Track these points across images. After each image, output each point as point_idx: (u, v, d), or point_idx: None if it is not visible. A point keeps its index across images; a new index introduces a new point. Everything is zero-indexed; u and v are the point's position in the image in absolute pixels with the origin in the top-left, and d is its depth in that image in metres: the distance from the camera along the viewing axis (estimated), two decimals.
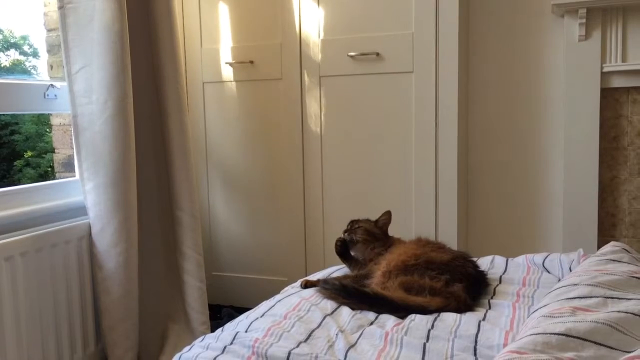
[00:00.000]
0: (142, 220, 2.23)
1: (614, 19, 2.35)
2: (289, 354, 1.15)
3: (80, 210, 2.16)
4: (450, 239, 2.33)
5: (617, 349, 0.92)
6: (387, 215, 1.75)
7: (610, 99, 2.42)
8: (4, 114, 3.60)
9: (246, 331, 1.30)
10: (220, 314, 2.69)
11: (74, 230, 2.09)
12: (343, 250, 1.73)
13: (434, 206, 2.42)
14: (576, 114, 2.43)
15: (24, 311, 1.88)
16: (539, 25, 2.54)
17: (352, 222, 1.77)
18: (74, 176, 2.28)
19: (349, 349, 1.19)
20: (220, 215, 2.82)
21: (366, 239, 1.68)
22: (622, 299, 1.08)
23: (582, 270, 1.31)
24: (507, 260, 1.78)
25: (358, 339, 1.23)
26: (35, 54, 3.79)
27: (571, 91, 2.43)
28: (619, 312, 1.00)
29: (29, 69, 4.03)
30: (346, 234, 1.73)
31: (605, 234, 2.46)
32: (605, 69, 2.37)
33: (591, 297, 1.10)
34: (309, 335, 1.26)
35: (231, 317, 2.19)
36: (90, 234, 2.12)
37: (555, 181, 2.56)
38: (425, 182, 2.43)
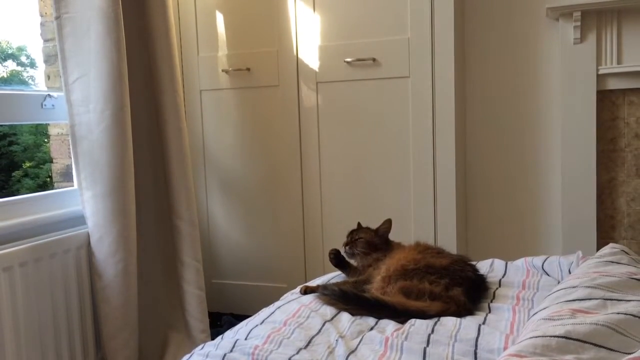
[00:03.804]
0: (140, 228, 2.23)
1: (608, 21, 2.36)
2: None
3: (78, 219, 2.16)
4: (449, 242, 2.33)
5: (617, 351, 0.91)
6: (388, 223, 1.75)
7: (607, 101, 2.42)
8: (1, 125, 3.61)
9: (246, 338, 1.30)
10: (220, 321, 2.68)
11: (73, 239, 2.08)
12: (338, 261, 1.72)
13: (433, 210, 2.42)
14: (573, 116, 2.43)
15: (24, 321, 1.88)
16: (534, 28, 2.55)
17: (352, 233, 1.76)
18: (73, 186, 2.28)
19: (349, 354, 1.18)
20: (219, 223, 2.81)
21: (366, 251, 1.68)
22: (621, 300, 1.08)
23: (581, 273, 1.31)
24: (506, 264, 1.78)
25: (358, 344, 1.23)
26: (32, 65, 3.80)
27: (567, 94, 2.44)
28: (618, 313, 1.00)
29: (26, 79, 4.04)
30: (347, 247, 1.72)
31: (604, 236, 2.46)
32: (601, 71, 2.37)
33: (590, 299, 1.10)
34: (309, 342, 1.25)
35: (231, 325, 2.18)
36: (89, 243, 2.12)
37: (553, 184, 2.56)
38: (424, 186, 2.43)
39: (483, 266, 1.75)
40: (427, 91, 2.38)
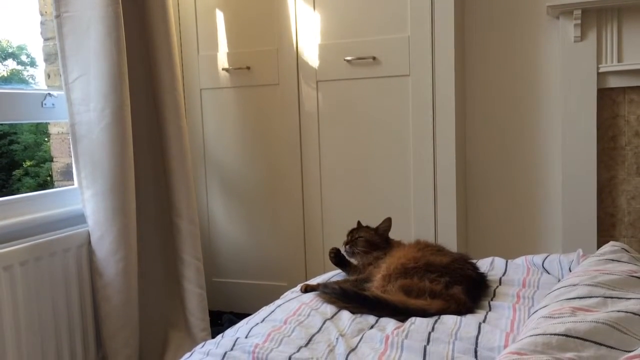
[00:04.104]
0: (141, 227, 2.23)
1: (609, 19, 2.36)
2: (289, 358, 1.15)
3: (79, 218, 2.16)
4: (449, 241, 2.33)
5: (618, 349, 0.92)
6: (388, 222, 1.75)
7: (607, 99, 2.42)
8: (2, 124, 3.61)
9: (246, 337, 1.30)
10: (221, 320, 2.68)
11: (73, 238, 2.09)
12: (338, 260, 1.72)
13: (433, 209, 2.43)
14: (573, 114, 2.43)
15: (24, 320, 1.88)
16: (534, 27, 2.55)
17: (352, 232, 1.76)
18: (73, 184, 2.28)
19: (350, 353, 1.19)
20: (220, 221, 2.81)
21: (367, 250, 1.68)
22: (621, 298, 1.08)
23: (582, 271, 1.31)
24: (506, 262, 1.78)
25: (358, 342, 1.23)
26: (32, 64, 3.80)
27: (568, 92, 2.44)
28: (618, 311, 1.00)
29: (26, 78, 4.04)
30: (347, 246, 1.72)
31: (604, 234, 2.46)
32: (602, 70, 2.37)
33: (591, 297, 1.10)
34: (309, 340, 1.25)
35: (232, 323, 2.18)
36: (89, 242, 2.12)
37: (553, 182, 2.56)
38: (424, 185, 2.43)
39: (483, 264, 1.75)
40: (427, 89, 2.38)
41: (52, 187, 2.42)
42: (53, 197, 2.17)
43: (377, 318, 1.36)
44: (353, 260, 1.72)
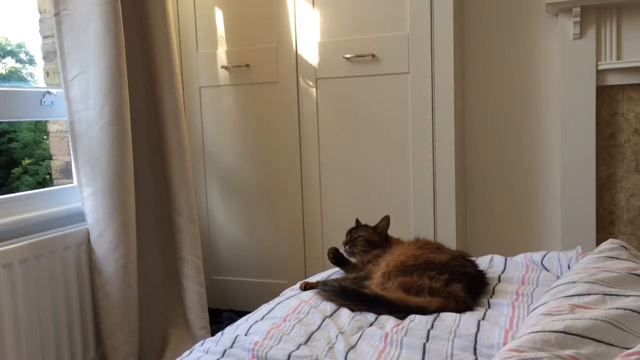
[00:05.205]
0: (140, 225, 2.23)
1: (608, 17, 2.36)
2: (289, 356, 1.15)
3: (78, 216, 2.16)
4: (448, 239, 2.33)
5: (616, 346, 0.92)
6: (386, 220, 1.75)
7: (606, 96, 2.42)
8: (1, 122, 3.60)
9: (246, 334, 1.30)
10: (221, 317, 2.68)
11: (73, 236, 2.09)
12: (337, 260, 1.72)
13: (432, 206, 2.43)
14: (572, 112, 2.43)
15: (24, 318, 1.88)
16: (533, 24, 2.55)
17: (351, 231, 1.76)
18: (72, 182, 2.28)
19: (349, 350, 1.19)
20: (219, 219, 2.81)
21: (367, 249, 1.68)
22: (620, 295, 1.08)
23: (581, 268, 1.31)
24: (505, 259, 1.78)
25: (358, 340, 1.23)
26: (31, 62, 3.79)
27: (567, 89, 2.44)
28: (617, 309, 1.00)
29: (25, 76, 4.03)
30: (346, 247, 1.71)
31: (603, 232, 2.46)
32: (601, 67, 2.37)
33: (590, 294, 1.10)
34: (309, 338, 1.26)
35: (231, 321, 2.18)
36: (88, 240, 2.12)
37: (553, 179, 2.56)
38: (423, 182, 2.43)
39: (482, 262, 1.76)
40: (426, 87, 2.38)
41: (52, 185, 2.42)
42: (52, 195, 2.17)
43: (376, 315, 1.36)
44: (352, 259, 1.72)
